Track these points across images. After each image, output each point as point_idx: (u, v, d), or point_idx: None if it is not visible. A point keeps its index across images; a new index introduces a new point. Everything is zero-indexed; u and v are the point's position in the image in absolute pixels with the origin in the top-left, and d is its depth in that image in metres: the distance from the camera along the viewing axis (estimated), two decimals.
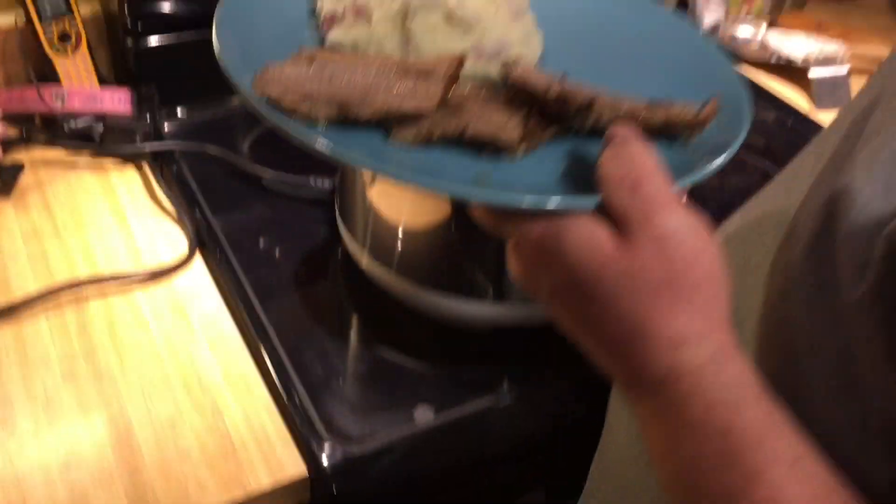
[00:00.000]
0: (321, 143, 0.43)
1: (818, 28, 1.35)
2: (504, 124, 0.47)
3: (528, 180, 0.45)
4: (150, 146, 0.99)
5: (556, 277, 0.41)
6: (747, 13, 1.37)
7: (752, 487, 0.36)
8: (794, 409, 0.38)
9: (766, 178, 1.13)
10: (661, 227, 0.39)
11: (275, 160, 0.99)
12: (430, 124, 0.46)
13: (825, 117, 1.20)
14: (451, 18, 0.54)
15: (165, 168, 0.99)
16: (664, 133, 0.48)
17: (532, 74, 0.49)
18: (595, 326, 0.40)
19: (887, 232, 0.36)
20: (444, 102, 0.47)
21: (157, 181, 0.96)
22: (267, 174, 0.97)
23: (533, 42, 0.58)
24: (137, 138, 0.99)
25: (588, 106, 0.46)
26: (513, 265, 0.43)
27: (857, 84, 1.23)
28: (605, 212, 0.41)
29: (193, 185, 0.97)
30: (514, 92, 0.49)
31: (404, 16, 0.54)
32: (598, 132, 0.46)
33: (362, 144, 0.46)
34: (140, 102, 1.02)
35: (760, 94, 1.25)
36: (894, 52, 0.51)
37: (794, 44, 1.27)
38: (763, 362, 0.44)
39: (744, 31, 1.33)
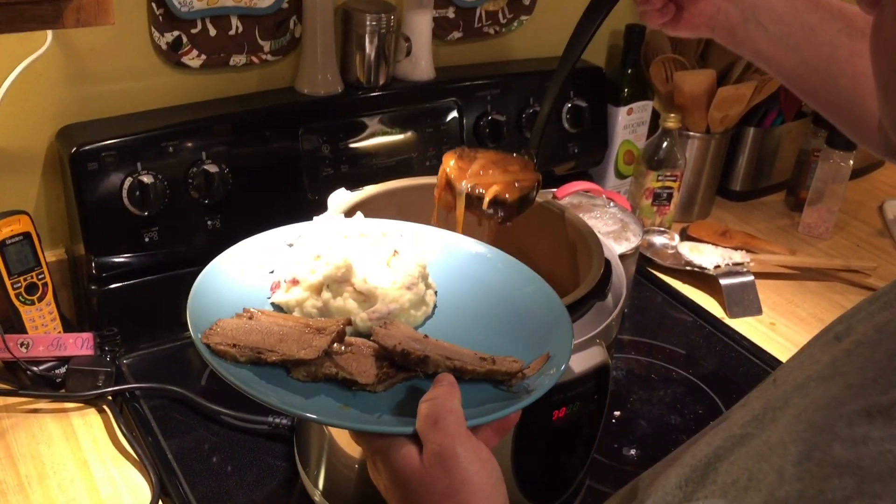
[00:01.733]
0: (228, 376, 0.60)
1: (724, 235, 1.50)
2: (366, 370, 0.64)
3: (381, 408, 0.62)
4: (112, 389, 1.03)
5: (384, 480, 0.58)
6: (660, 224, 1.51)
7: None
8: None
9: (691, 389, 1.24)
10: (448, 452, 0.55)
11: (232, 391, 1.04)
12: (315, 367, 0.63)
13: (736, 322, 1.32)
14: (355, 290, 0.71)
15: (126, 407, 1.03)
16: (488, 379, 0.65)
17: (388, 336, 0.66)
18: None
19: None
20: (327, 352, 0.64)
21: (118, 423, 1.00)
22: (227, 412, 1.02)
23: (422, 307, 0.74)
24: (100, 379, 1.04)
25: (423, 360, 0.63)
26: (368, 469, 0.61)
27: (761, 287, 1.37)
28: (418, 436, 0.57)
29: (154, 426, 1.01)
30: (377, 346, 0.66)
31: (322, 286, 0.72)
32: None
33: (270, 378, 0.62)
34: (102, 344, 1.08)
35: (678, 299, 1.37)
36: None
37: (704, 256, 1.40)
38: None
39: (660, 240, 1.47)
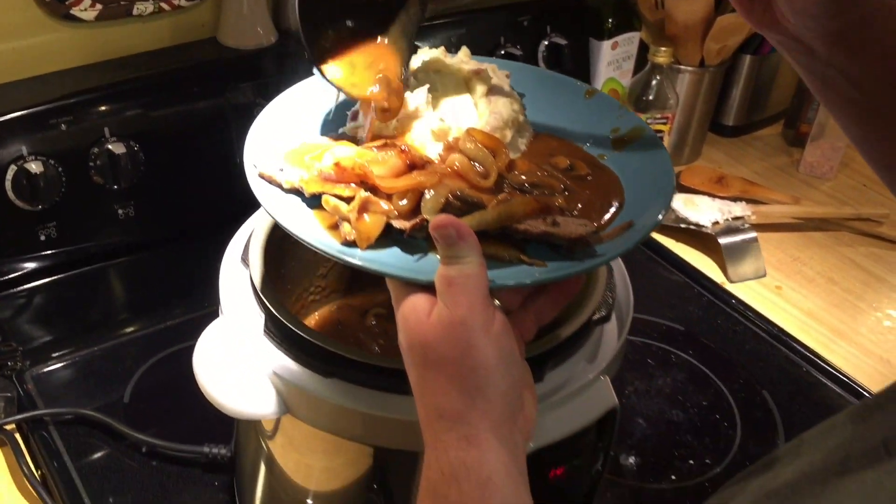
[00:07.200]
0: (264, 202, 0.56)
1: (720, 182, 1.34)
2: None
3: (420, 253, 0.55)
4: (15, 418, 0.86)
5: (398, 335, 0.53)
6: None
7: None
8: None
9: (693, 375, 1.09)
10: (454, 317, 0.49)
11: (160, 408, 0.89)
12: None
13: (738, 287, 1.17)
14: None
15: (34, 438, 0.86)
16: (544, 241, 0.54)
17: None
18: (411, 380, 0.53)
19: None
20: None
21: (22, 462, 0.83)
22: (155, 441, 0.86)
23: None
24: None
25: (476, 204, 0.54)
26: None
27: (763, 243, 1.22)
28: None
29: (68, 461, 0.85)
30: None
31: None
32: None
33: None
34: (0, 363, 0.90)
35: (672, 261, 1.21)
36: None
37: (700, 210, 1.24)
38: None
39: None
